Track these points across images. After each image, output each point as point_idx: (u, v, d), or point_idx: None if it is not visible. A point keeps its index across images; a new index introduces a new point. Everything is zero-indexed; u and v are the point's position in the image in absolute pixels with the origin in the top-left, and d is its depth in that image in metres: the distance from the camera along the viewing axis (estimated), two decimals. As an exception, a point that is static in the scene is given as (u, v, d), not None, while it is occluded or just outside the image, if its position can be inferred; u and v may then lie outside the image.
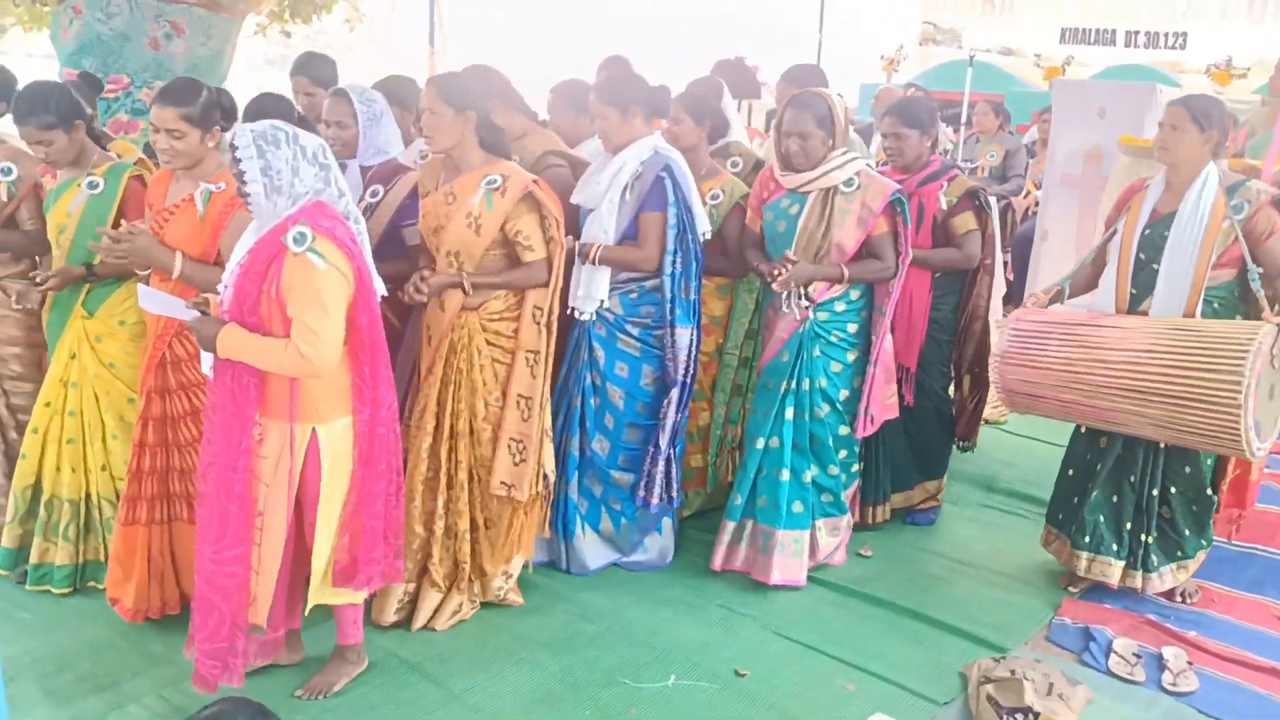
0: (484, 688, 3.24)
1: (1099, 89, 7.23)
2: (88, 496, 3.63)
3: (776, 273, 3.71)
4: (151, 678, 3.21)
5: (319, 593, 3.03)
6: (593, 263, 3.72)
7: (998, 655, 3.49)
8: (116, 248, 3.20)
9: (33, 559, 3.64)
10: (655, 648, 3.51)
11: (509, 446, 3.53)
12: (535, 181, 3.44)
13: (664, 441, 3.84)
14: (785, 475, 3.92)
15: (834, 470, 4.02)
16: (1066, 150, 6.77)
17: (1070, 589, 4.01)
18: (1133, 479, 3.85)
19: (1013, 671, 3.27)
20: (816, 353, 3.90)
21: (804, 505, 3.95)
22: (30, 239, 3.75)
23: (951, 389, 4.62)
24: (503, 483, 3.54)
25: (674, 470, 3.93)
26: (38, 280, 3.56)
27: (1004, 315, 7.58)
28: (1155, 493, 3.82)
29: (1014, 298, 8.05)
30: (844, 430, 4.01)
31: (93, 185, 3.54)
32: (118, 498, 3.59)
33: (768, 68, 7.06)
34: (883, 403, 4.00)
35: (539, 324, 3.51)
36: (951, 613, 3.81)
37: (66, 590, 3.64)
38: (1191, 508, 3.85)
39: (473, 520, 3.59)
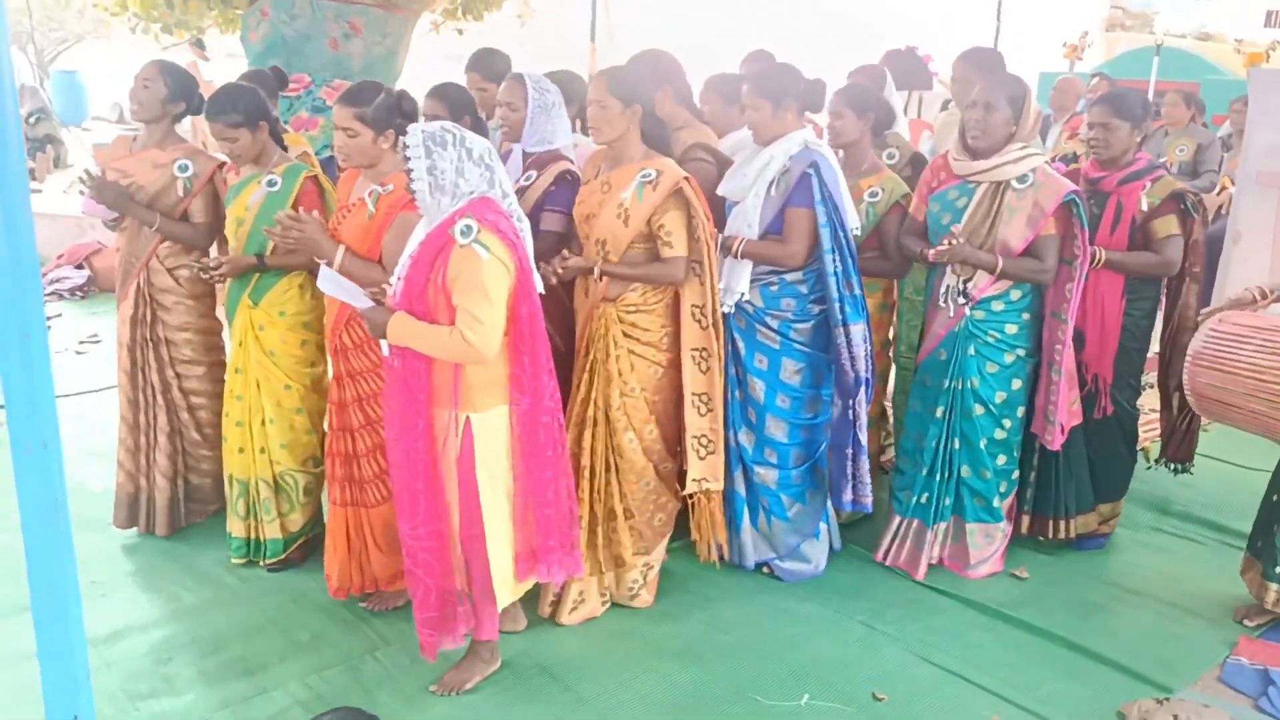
0: (613, 695, 3.23)
1: (1303, 78, 6.62)
2: (251, 477, 3.84)
3: (938, 248, 3.65)
4: (297, 664, 3.34)
5: (505, 590, 3.10)
6: (736, 256, 3.68)
7: (1161, 695, 3.25)
8: (290, 231, 3.33)
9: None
10: (789, 664, 3.42)
11: (693, 444, 3.59)
12: (687, 179, 3.42)
13: (864, 438, 3.77)
14: (947, 475, 3.93)
15: (986, 474, 3.92)
16: (1264, 145, 6.24)
17: (1247, 623, 3.71)
18: None
19: (1175, 716, 3.04)
20: (971, 352, 3.82)
21: (960, 504, 3.97)
22: (198, 232, 3.97)
23: (1140, 401, 4.30)
24: (694, 479, 3.60)
25: (862, 468, 3.85)
26: (211, 267, 3.76)
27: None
28: None
29: (1202, 302, 7.52)
30: (999, 434, 3.90)
31: (271, 184, 3.72)
32: (274, 479, 3.83)
33: (940, 56, 6.78)
34: (1069, 409, 3.89)
35: (699, 322, 3.52)
36: (1112, 645, 3.56)
37: (242, 560, 3.90)
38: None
39: (610, 509, 3.60)
